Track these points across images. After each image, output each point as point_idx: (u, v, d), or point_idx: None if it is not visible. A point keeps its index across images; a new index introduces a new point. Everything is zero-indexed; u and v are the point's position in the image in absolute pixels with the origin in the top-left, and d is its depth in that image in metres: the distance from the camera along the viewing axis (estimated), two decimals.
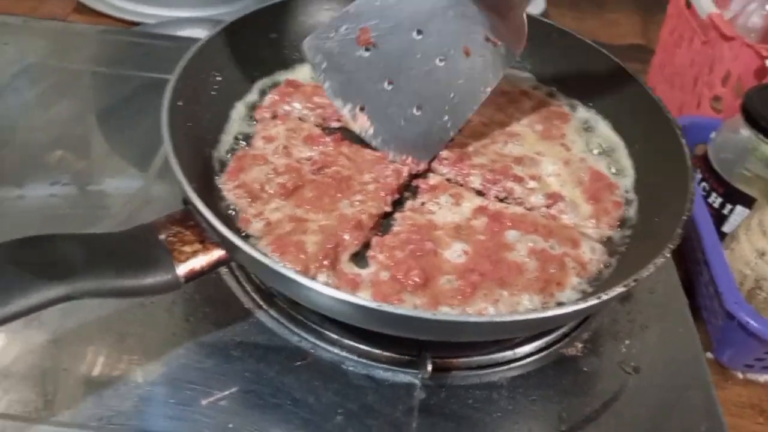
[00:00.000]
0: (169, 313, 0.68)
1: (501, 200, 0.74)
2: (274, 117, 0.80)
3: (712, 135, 0.93)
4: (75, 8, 1.36)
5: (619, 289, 0.55)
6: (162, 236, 0.57)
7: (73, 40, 1.12)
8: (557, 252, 0.67)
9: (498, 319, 0.54)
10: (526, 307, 0.62)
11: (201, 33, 0.78)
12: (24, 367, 0.63)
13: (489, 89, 0.76)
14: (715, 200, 0.90)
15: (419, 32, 0.72)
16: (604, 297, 0.55)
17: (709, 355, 0.82)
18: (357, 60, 0.72)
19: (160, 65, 0.74)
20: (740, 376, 0.81)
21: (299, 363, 0.65)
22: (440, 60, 0.73)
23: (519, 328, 0.60)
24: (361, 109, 0.74)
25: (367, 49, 0.72)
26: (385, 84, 0.73)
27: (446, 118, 0.76)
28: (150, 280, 0.55)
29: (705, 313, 0.85)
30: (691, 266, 0.89)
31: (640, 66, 1.32)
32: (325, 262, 0.63)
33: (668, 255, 0.58)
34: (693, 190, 0.66)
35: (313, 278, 0.61)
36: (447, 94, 0.75)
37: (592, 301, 0.54)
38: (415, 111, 0.75)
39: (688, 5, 1.10)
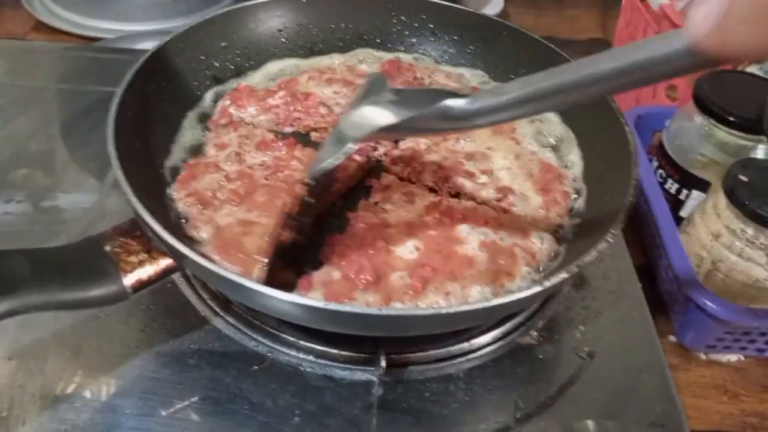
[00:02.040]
0: (125, 325, 0.68)
1: (453, 196, 0.75)
2: (227, 124, 0.81)
3: (667, 123, 0.94)
4: (34, 26, 1.36)
5: (562, 276, 0.56)
6: (107, 247, 0.57)
7: (32, 58, 1.12)
8: (507, 243, 0.68)
9: (444, 311, 0.54)
10: (476, 298, 0.62)
11: None
12: None
13: None
14: (672, 186, 0.92)
15: None
16: (548, 284, 0.55)
17: (673, 338, 0.83)
18: None
19: (118, 79, 0.75)
20: (703, 357, 0.82)
21: (256, 367, 0.65)
22: None
23: (467, 319, 0.60)
24: None
25: None
26: None
27: None
28: (96, 291, 0.55)
29: (666, 297, 0.86)
30: (651, 252, 0.90)
31: None
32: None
33: (611, 240, 0.59)
34: (637, 177, 0.67)
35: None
36: None
37: (536, 289, 0.55)
38: None
39: None
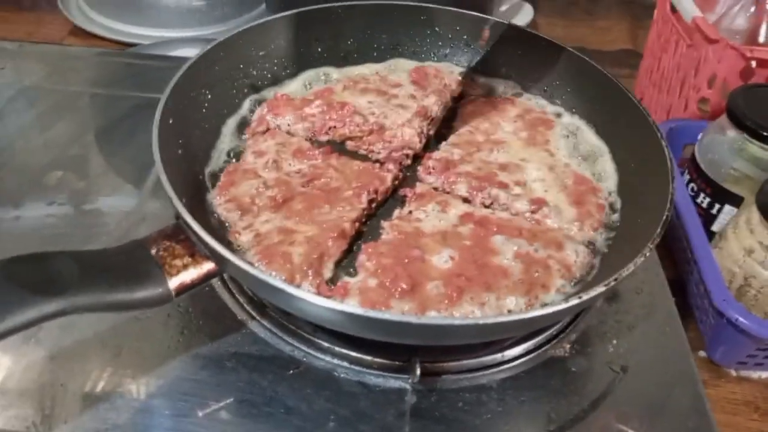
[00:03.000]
0: (165, 327, 0.69)
1: (487, 206, 0.75)
2: (264, 132, 0.82)
3: (699, 136, 0.94)
4: (71, 31, 1.39)
5: (599, 289, 0.56)
6: (153, 251, 0.59)
7: (69, 63, 1.14)
8: (542, 255, 0.68)
9: (482, 322, 0.55)
10: (511, 309, 0.63)
11: (194, 52, 0.80)
12: (22, 383, 0.64)
13: None
14: (704, 200, 0.91)
15: None
16: (585, 297, 0.56)
17: (703, 353, 0.83)
18: None
19: (154, 85, 0.76)
20: (734, 373, 0.81)
21: (292, 371, 0.66)
22: None
23: (503, 330, 0.61)
24: None
25: None
26: None
27: None
28: (141, 293, 0.56)
29: (697, 312, 0.86)
30: (682, 266, 0.90)
31: (629, 71, 1.34)
32: (310, 272, 0.64)
33: (648, 254, 0.59)
34: (674, 190, 0.67)
35: (299, 287, 0.63)
36: None
37: (574, 302, 0.56)
38: None
39: (674, 10, 1.12)
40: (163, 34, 1.35)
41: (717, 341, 0.81)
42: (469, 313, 0.62)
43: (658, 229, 0.62)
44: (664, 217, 0.63)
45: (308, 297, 0.55)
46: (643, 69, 1.29)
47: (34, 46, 1.18)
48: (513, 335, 0.68)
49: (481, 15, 0.96)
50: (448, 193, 0.77)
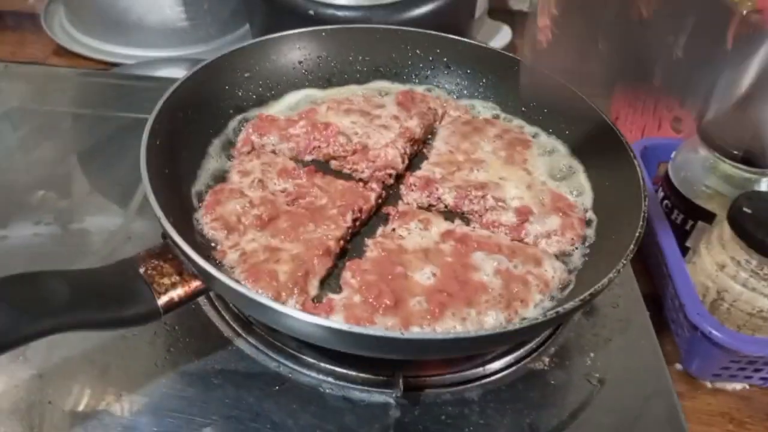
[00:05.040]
0: (151, 345, 0.70)
1: (467, 223, 0.77)
2: (250, 152, 0.84)
3: (673, 155, 0.97)
4: (54, 51, 1.40)
5: (575, 304, 0.58)
6: (142, 270, 0.60)
7: (54, 83, 1.15)
8: (521, 271, 0.70)
9: (463, 336, 0.57)
10: (491, 324, 0.64)
11: (178, 72, 0.81)
12: (10, 401, 0.65)
13: None
14: (678, 217, 0.94)
15: None
16: (561, 311, 0.58)
17: (679, 366, 0.85)
18: None
19: (139, 105, 0.77)
20: (709, 385, 0.83)
21: (278, 388, 0.67)
22: None
23: (484, 344, 0.63)
24: None
25: None
26: None
27: None
28: (131, 311, 0.57)
29: (673, 326, 0.88)
30: (658, 281, 0.92)
31: (606, 91, 1.36)
32: (295, 289, 0.66)
33: (621, 270, 0.62)
34: (646, 209, 0.69)
35: (285, 304, 0.64)
36: None
37: (550, 316, 0.57)
38: None
39: None
40: (147, 54, 1.36)
41: (692, 354, 0.83)
42: (450, 328, 0.64)
43: (631, 246, 0.64)
44: (637, 234, 0.66)
45: (295, 313, 0.57)
46: (618, 89, 1.32)
47: (17, 67, 1.19)
48: (494, 349, 0.70)
49: (460, 38, 0.98)
50: (429, 210, 0.79)
